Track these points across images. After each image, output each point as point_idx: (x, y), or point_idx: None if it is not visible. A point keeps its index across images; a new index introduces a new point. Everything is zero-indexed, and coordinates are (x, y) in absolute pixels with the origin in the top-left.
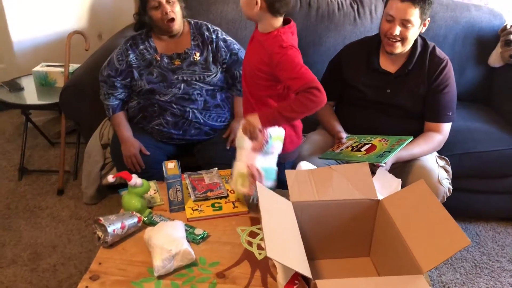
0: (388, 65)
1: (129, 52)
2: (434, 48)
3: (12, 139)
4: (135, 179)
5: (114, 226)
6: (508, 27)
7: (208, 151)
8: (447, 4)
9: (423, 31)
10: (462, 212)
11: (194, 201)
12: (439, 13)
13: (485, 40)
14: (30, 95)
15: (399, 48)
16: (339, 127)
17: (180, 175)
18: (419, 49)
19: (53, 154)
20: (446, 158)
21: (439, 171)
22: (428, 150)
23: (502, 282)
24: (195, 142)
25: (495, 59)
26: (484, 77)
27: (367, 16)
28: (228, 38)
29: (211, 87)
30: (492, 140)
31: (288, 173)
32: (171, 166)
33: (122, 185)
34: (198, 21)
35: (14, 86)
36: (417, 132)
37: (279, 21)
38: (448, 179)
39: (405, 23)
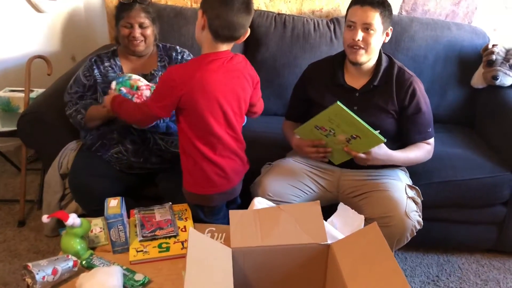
0: (353, 81)
1: (94, 67)
2: (400, 65)
3: None
4: (73, 219)
5: (43, 273)
6: (490, 46)
7: (170, 181)
8: (426, 22)
9: (386, 40)
10: (443, 243)
11: (141, 241)
12: (419, 32)
13: (467, 60)
14: None
15: (363, 56)
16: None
17: (121, 214)
18: (384, 64)
19: (20, 181)
20: (417, 188)
21: (407, 203)
22: (421, 156)
23: None
24: (157, 171)
25: (477, 80)
26: (467, 98)
27: (345, 29)
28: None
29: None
30: (473, 168)
31: (232, 214)
32: (113, 204)
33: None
34: (168, 44)
35: None
36: None
37: (213, 48)
38: (417, 211)
39: (367, 27)
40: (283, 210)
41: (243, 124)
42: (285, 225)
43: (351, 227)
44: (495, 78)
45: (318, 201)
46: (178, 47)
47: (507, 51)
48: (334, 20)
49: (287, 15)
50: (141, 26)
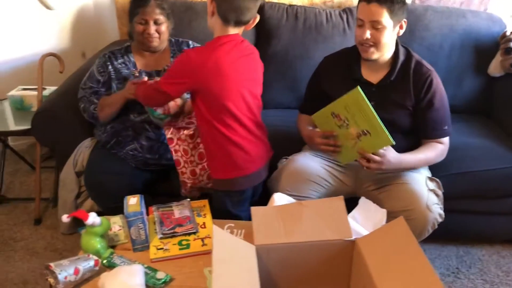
0: (370, 75)
1: (108, 63)
2: (418, 59)
3: None
4: (93, 218)
5: (65, 273)
6: (508, 33)
7: None
8: (441, 11)
9: (400, 34)
10: (462, 235)
11: (161, 238)
12: (433, 21)
13: (484, 48)
14: (5, 121)
15: (375, 54)
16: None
17: (142, 212)
18: (401, 58)
19: (35, 179)
20: (438, 180)
21: (428, 196)
22: (432, 157)
23: None
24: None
25: (495, 68)
26: (484, 87)
27: (356, 26)
28: None
29: None
30: (491, 158)
31: (254, 211)
32: (132, 202)
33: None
34: (180, 38)
35: None
36: (407, 149)
37: (224, 31)
38: (438, 204)
39: (375, 25)
40: (306, 205)
41: None
42: (308, 221)
43: (373, 221)
44: None
45: (342, 196)
46: (190, 41)
47: None
48: (346, 10)
49: (298, 6)
50: (156, 22)
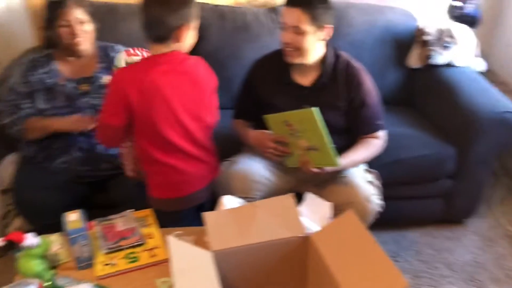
0: (300, 78)
1: (29, 73)
2: (347, 58)
3: None
4: (30, 239)
5: None
6: (423, 27)
7: (124, 186)
8: (362, 8)
9: (326, 38)
10: (397, 220)
11: (106, 253)
12: (355, 18)
13: (402, 42)
14: None
15: (298, 58)
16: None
17: (84, 228)
18: (330, 60)
19: None
20: (375, 171)
21: (368, 187)
22: (369, 155)
23: None
24: (109, 177)
25: (414, 60)
26: (405, 79)
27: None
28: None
29: None
30: (419, 146)
31: (207, 216)
32: (73, 218)
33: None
34: (104, 42)
35: None
36: (344, 147)
37: (154, 49)
38: (377, 194)
39: (296, 30)
40: (258, 206)
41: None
42: (262, 221)
43: (320, 214)
44: (429, 57)
45: (292, 193)
46: (116, 45)
47: (439, 31)
48: (272, 10)
49: (224, 6)
50: (80, 22)
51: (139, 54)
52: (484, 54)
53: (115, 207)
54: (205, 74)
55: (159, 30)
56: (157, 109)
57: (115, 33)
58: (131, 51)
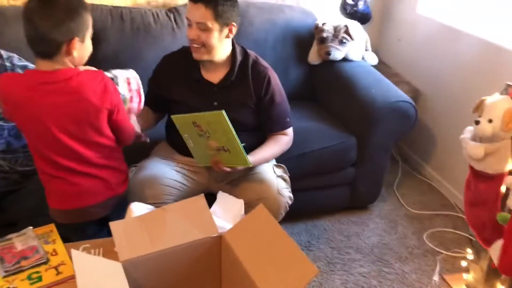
0: (210, 76)
1: None
2: (255, 57)
3: None
4: None
5: None
6: (320, 25)
7: (22, 203)
8: (262, 7)
9: (229, 36)
10: (307, 210)
11: (4, 277)
12: (256, 17)
13: (302, 39)
14: None
15: (206, 55)
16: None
17: None
18: (239, 58)
19: None
20: (283, 165)
21: (278, 182)
22: (278, 151)
23: (353, 273)
24: (4, 194)
25: (313, 56)
26: (306, 75)
27: (186, 26)
28: (29, 64)
29: (14, 125)
30: (323, 138)
31: (114, 225)
32: None
33: None
34: None
35: None
36: (254, 145)
37: (39, 65)
38: (287, 188)
39: (201, 27)
40: (168, 210)
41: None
42: (173, 225)
43: (233, 213)
44: (328, 53)
45: (202, 194)
46: (2, 51)
47: (335, 28)
48: (173, 10)
49: (123, 8)
50: None
51: None
52: (376, 49)
53: (13, 226)
54: (94, 94)
55: (44, 46)
56: (29, 126)
57: (2, 36)
58: None
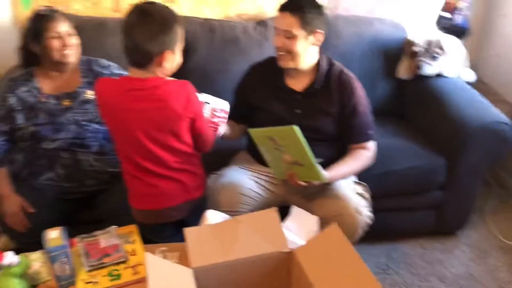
0: (294, 84)
1: (8, 94)
2: (340, 67)
3: None
4: (10, 258)
5: None
6: (411, 38)
7: (110, 202)
8: (350, 20)
9: (316, 44)
10: (388, 232)
11: (89, 271)
12: (344, 30)
13: (391, 53)
14: None
15: (290, 63)
16: None
17: (65, 245)
18: (324, 66)
19: None
20: (364, 183)
21: (357, 200)
22: (358, 167)
23: None
24: (95, 193)
25: (403, 71)
26: (395, 90)
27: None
28: (127, 73)
29: (107, 129)
30: (409, 157)
31: (188, 232)
32: (53, 235)
33: None
34: (87, 57)
35: None
36: (333, 156)
37: (132, 72)
38: (366, 206)
39: (286, 34)
40: (241, 221)
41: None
42: (245, 237)
43: (307, 229)
44: (419, 68)
45: (275, 208)
46: (103, 60)
47: (428, 42)
48: (261, 23)
49: (213, 20)
50: (68, 35)
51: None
52: (473, 65)
53: (101, 223)
54: (177, 103)
55: (138, 56)
56: (117, 128)
57: (103, 48)
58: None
